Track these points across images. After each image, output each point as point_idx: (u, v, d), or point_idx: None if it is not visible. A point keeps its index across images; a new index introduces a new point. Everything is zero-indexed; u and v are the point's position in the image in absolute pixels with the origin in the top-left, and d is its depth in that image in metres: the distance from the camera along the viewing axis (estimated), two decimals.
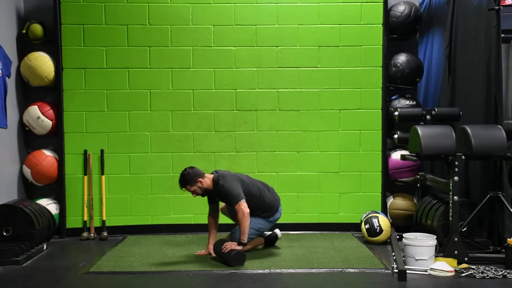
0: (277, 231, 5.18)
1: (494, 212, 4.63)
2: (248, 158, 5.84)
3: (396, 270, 4.01)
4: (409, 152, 4.87)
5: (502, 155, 4.34)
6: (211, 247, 4.77)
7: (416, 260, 4.21)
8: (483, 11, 4.73)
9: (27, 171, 5.60)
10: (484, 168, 4.81)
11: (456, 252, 4.33)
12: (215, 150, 5.84)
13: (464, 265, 4.25)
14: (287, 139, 5.87)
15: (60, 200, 5.72)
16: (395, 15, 5.82)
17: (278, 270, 4.27)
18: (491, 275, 3.99)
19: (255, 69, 5.84)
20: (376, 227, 5.24)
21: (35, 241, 4.81)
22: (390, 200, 5.85)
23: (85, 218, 5.72)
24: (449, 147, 4.40)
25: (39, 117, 5.61)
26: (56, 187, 5.76)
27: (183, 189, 4.69)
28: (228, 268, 4.33)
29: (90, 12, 5.70)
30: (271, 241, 5.12)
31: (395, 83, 5.83)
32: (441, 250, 4.40)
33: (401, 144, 5.74)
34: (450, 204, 4.42)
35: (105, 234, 5.62)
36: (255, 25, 5.82)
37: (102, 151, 5.76)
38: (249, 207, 4.55)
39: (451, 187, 4.42)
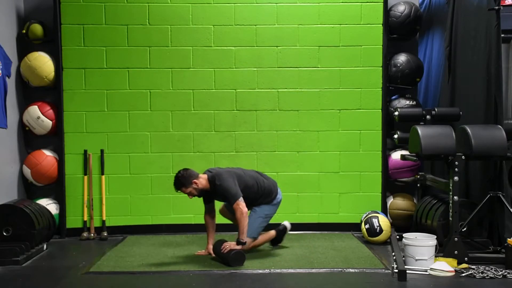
0: (285, 222, 5.20)
1: (494, 212, 4.62)
2: (248, 158, 5.84)
3: (396, 270, 4.01)
4: (409, 152, 4.86)
5: (502, 155, 4.34)
6: (210, 247, 4.77)
7: (416, 260, 4.21)
8: (483, 11, 4.73)
9: (27, 171, 5.60)
10: (484, 168, 4.81)
11: (456, 252, 4.33)
12: (215, 150, 5.84)
13: (464, 265, 4.24)
14: (287, 139, 5.87)
15: (60, 200, 5.72)
16: (395, 15, 5.82)
17: (278, 270, 4.27)
18: (491, 275, 3.99)
19: (255, 69, 5.84)
20: (376, 227, 5.24)
21: (35, 241, 4.80)
22: (390, 200, 5.85)
23: (85, 218, 5.72)
24: (449, 147, 4.40)
25: (39, 117, 5.61)
26: (56, 187, 5.76)
27: (179, 191, 4.68)
28: (228, 268, 4.33)
29: (90, 12, 5.70)
30: (280, 232, 5.08)
31: (395, 83, 5.83)
32: (441, 250, 4.40)
33: (401, 144, 5.74)
34: (450, 204, 4.42)
35: (105, 234, 5.62)
36: (255, 25, 5.82)
37: (102, 151, 5.76)
38: (249, 198, 4.59)
39: (451, 187, 4.42)
